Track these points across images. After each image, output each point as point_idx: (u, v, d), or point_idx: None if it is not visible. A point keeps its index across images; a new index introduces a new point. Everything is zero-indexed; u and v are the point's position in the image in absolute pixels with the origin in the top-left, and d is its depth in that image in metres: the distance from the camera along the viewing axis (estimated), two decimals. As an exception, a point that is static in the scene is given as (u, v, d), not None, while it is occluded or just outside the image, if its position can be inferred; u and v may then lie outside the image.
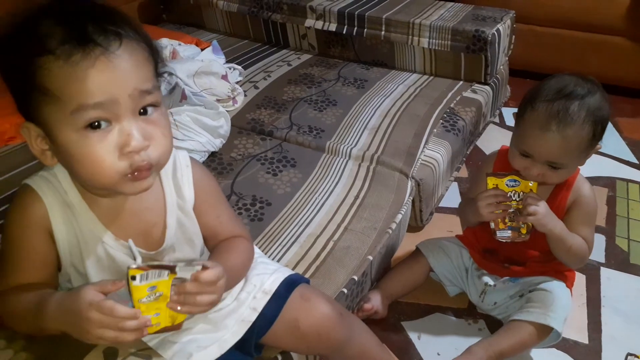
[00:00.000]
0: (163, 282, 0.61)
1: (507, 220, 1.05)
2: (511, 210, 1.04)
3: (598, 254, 1.41)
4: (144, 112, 0.63)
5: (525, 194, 1.03)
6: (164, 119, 0.66)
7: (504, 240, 1.07)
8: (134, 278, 0.59)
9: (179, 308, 0.63)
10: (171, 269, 0.61)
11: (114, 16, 0.62)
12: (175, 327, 0.65)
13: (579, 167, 1.09)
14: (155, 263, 0.61)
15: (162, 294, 0.61)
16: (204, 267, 0.63)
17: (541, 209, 1.02)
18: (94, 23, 0.60)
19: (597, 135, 1.00)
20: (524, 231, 1.06)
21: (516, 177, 1.03)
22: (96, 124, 0.60)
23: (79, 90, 0.58)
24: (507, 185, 1.03)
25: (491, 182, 1.05)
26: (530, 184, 1.03)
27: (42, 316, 0.62)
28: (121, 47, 0.60)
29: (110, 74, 0.59)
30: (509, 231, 1.05)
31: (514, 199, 1.04)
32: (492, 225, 1.06)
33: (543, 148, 0.99)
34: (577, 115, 0.97)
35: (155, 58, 0.67)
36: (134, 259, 0.72)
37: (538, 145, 1.00)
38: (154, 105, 0.64)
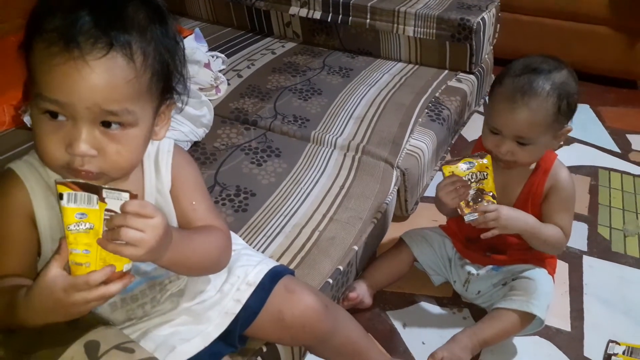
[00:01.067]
0: (93, 212, 0.57)
1: (470, 203, 1.05)
2: (472, 191, 1.05)
3: (580, 242, 1.42)
4: (107, 124, 0.60)
5: (482, 192, 1.04)
6: (129, 138, 0.62)
7: (474, 223, 1.07)
8: (61, 197, 0.56)
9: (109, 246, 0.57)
10: (98, 190, 0.57)
11: (130, 20, 0.58)
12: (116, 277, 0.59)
13: (556, 152, 1.11)
14: (81, 181, 0.57)
15: (92, 227, 0.57)
16: (133, 197, 0.58)
17: (501, 214, 1.03)
18: (98, 21, 0.56)
19: (562, 110, 1.01)
20: None
21: (469, 159, 1.04)
22: (54, 114, 0.59)
23: (43, 79, 0.57)
24: (461, 169, 1.04)
25: (447, 170, 1.05)
26: (485, 162, 1.03)
27: (17, 320, 0.60)
28: (102, 59, 0.56)
29: (74, 82, 0.56)
30: (476, 214, 1.05)
31: (472, 180, 1.04)
32: (459, 211, 1.07)
33: (510, 121, 1.01)
34: (542, 88, 0.99)
35: (165, 78, 0.64)
36: None
37: (505, 119, 1.02)
38: (121, 124, 0.60)
